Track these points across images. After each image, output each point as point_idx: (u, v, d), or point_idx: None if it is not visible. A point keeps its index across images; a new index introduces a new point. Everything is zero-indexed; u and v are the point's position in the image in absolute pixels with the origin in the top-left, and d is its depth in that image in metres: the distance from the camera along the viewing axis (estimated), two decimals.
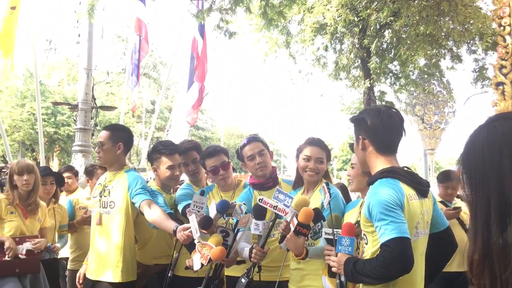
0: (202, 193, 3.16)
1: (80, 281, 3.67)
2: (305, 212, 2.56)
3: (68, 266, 4.98)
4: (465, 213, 4.65)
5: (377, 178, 2.18)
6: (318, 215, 2.63)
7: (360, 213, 2.47)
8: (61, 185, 4.87)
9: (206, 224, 2.87)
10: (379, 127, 2.25)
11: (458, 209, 4.41)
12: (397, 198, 2.07)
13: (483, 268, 1.01)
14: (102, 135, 3.57)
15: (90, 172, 5.28)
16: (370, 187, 2.20)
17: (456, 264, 4.26)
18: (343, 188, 4.05)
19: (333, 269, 2.27)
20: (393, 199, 2.06)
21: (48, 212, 4.36)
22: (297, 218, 2.57)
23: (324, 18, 8.27)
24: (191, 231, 2.89)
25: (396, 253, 1.96)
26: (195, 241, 2.87)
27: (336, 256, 2.27)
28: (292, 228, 2.57)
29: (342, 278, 2.24)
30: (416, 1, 7.57)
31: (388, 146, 2.28)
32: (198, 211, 2.98)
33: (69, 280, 4.95)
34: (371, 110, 2.41)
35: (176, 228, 3.04)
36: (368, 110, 2.44)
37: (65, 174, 5.30)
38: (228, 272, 3.40)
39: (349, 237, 2.26)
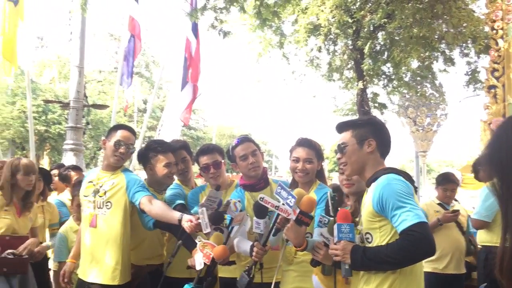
0: (218, 188, 3.10)
1: (66, 280, 3.59)
2: (308, 200, 2.46)
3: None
4: (463, 216, 4.67)
5: (381, 174, 2.24)
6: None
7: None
8: (49, 183, 4.73)
9: (217, 219, 2.82)
10: (387, 135, 2.42)
11: (456, 212, 4.41)
12: (409, 188, 2.17)
13: None
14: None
15: (65, 177, 5.05)
16: (376, 183, 2.22)
17: (453, 266, 4.27)
18: (337, 189, 4.02)
19: (336, 258, 2.22)
20: (406, 190, 2.14)
21: (37, 210, 4.28)
22: (299, 206, 2.45)
23: (318, 19, 8.24)
24: (198, 221, 2.84)
25: (422, 236, 2.01)
26: (197, 240, 2.83)
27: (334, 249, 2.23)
28: (294, 217, 2.43)
29: (347, 266, 2.18)
30: (410, 3, 7.58)
31: (387, 154, 2.41)
32: (210, 205, 2.92)
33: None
34: (378, 119, 2.59)
35: (181, 217, 2.98)
36: (375, 118, 2.60)
37: (56, 172, 5.23)
38: (220, 273, 3.37)
39: (348, 224, 2.23)
